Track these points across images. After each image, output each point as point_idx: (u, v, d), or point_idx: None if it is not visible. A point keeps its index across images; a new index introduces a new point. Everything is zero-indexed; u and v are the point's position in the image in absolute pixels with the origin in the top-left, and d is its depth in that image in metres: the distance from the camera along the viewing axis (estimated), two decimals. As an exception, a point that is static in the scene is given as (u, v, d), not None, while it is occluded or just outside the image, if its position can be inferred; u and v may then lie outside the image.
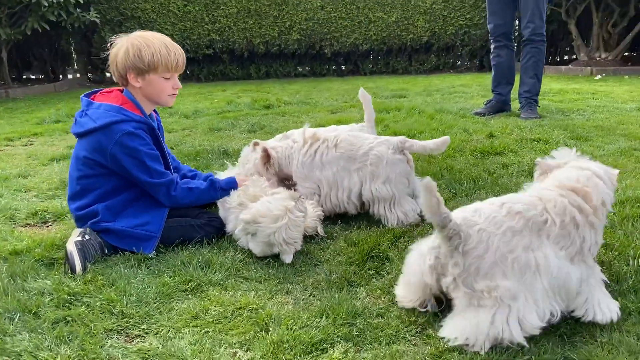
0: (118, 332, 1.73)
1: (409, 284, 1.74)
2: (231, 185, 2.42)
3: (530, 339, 1.54)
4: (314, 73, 9.86)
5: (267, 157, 2.60)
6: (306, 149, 2.56)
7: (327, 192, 2.52)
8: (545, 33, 4.70)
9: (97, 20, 8.55)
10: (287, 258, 2.16)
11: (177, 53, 2.32)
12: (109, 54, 2.34)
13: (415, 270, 1.70)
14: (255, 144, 2.70)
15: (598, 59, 8.97)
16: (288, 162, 2.60)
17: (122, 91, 2.38)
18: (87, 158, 2.26)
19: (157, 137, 2.37)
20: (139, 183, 2.29)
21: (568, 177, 1.73)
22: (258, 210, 2.17)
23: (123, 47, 2.27)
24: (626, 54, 9.81)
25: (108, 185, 2.29)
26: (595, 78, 7.91)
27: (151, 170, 2.26)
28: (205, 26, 8.93)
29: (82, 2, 8.03)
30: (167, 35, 7.92)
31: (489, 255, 1.51)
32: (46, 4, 7.40)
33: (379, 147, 2.47)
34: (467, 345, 1.52)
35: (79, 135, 2.30)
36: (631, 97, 5.81)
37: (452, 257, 1.54)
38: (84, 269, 2.09)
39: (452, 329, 1.56)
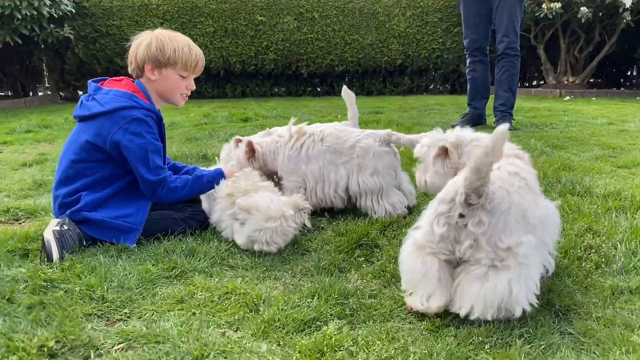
0: (99, 316, 1.65)
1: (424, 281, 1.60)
2: (218, 177, 2.37)
3: (527, 314, 1.53)
4: (290, 93, 9.89)
5: (251, 151, 2.56)
6: (292, 143, 2.53)
7: (313, 186, 2.49)
8: (519, 48, 4.83)
9: (71, 37, 8.45)
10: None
11: (198, 54, 2.35)
12: (129, 46, 2.35)
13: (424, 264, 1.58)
14: (238, 140, 2.66)
15: (566, 82, 9.25)
16: (273, 157, 2.57)
17: (133, 81, 2.35)
18: (88, 142, 2.19)
19: (162, 130, 2.33)
20: (134, 172, 2.22)
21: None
22: (256, 202, 2.12)
23: (147, 39, 2.29)
24: (592, 80, 10.16)
25: (104, 172, 2.22)
26: (564, 99, 8.14)
27: (150, 163, 2.19)
28: (181, 44, 8.91)
29: (56, 17, 7.93)
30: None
31: (512, 210, 1.49)
32: (19, 17, 7.28)
33: (365, 140, 2.46)
34: (484, 314, 1.47)
35: (84, 119, 2.24)
36: (600, 114, 5.98)
37: (474, 216, 1.48)
38: (62, 258, 2.00)
39: (468, 299, 1.48)
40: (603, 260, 1.88)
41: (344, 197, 2.49)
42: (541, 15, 8.39)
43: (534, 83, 11.17)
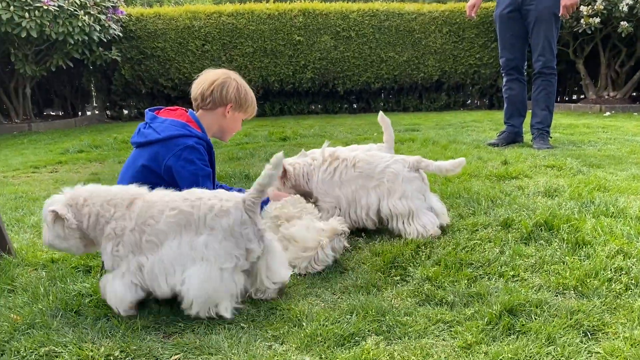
0: (156, 329, 1.81)
1: None
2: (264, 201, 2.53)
3: (555, 333, 1.61)
4: (326, 110, 10.08)
5: (283, 172, 2.71)
6: (325, 167, 2.67)
7: (346, 208, 2.62)
8: (555, 67, 4.86)
9: (118, 59, 8.87)
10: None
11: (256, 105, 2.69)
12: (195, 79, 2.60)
13: None
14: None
15: (606, 97, 9.13)
16: (307, 178, 2.71)
17: (186, 111, 2.56)
18: (144, 166, 2.39)
19: (212, 157, 2.52)
20: None
21: None
22: (294, 234, 2.27)
23: (234, 82, 2.55)
24: (634, 93, 9.98)
25: None
26: (605, 115, 8.04)
27: (200, 187, 2.37)
28: (223, 65, 9.22)
29: (105, 40, 8.36)
30: (186, 73, 8.25)
31: None
32: (72, 42, 7.72)
33: (395, 165, 2.58)
34: None
35: (140, 145, 2.44)
36: (641, 130, 5.91)
37: None
38: (120, 274, 2.18)
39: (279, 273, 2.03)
40: (633, 282, 1.93)
41: (375, 219, 2.60)
42: (580, 31, 8.34)
43: (574, 97, 11.04)
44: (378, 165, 2.60)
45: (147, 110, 2.54)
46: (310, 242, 2.22)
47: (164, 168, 2.35)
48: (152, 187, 2.41)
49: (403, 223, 2.52)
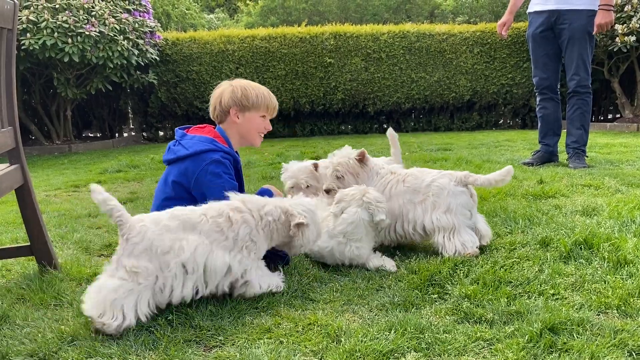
0: (197, 342, 1.84)
1: None
2: None
3: (598, 352, 1.58)
4: (356, 131, 10.13)
5: (341, 177, 2.74)
6: (377, 180, 2.71)
7: (392, 222, 2.63)
8: (590, 85, 4.80)
9: (155, 82, 9.12)
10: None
11: (274, 98, 2.68)
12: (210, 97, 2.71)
13: None
14: (362, 153, 2.79)
15: (644, 116, 8.95)
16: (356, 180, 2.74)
17: (214, 127, 2.64)
18: (174, 182, 2.47)
19: (239, 171, 2.58)
20: None
21: None
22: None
23: (229, 87, 2.62)
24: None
25: None
26: (642, 134, 7.87)
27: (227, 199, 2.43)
28: (255, 86, 9.38)
29: (142, 64, 8.62)
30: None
31: None
32: (111, 66, 7.99)
33: (441, 179, 2.59)
34: None
35: (171, 162, 2.53)
36: (681, 149, 5.77)
37: None
38: (161, 288, 2.23)
39: None
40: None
41: (422, 234, 2.61)
42: (614, 49, 8.23)
43: (609, 117, 10.84)
44: (425, 180, 2.63)
45: (177, 128, 2.64)
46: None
47: (193, 183, 2.43)
48: (184, 203, 2.48)
49: (444, 237, 2.52)
